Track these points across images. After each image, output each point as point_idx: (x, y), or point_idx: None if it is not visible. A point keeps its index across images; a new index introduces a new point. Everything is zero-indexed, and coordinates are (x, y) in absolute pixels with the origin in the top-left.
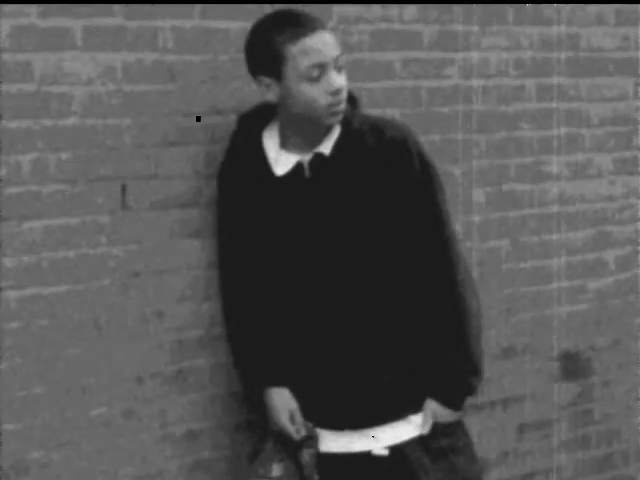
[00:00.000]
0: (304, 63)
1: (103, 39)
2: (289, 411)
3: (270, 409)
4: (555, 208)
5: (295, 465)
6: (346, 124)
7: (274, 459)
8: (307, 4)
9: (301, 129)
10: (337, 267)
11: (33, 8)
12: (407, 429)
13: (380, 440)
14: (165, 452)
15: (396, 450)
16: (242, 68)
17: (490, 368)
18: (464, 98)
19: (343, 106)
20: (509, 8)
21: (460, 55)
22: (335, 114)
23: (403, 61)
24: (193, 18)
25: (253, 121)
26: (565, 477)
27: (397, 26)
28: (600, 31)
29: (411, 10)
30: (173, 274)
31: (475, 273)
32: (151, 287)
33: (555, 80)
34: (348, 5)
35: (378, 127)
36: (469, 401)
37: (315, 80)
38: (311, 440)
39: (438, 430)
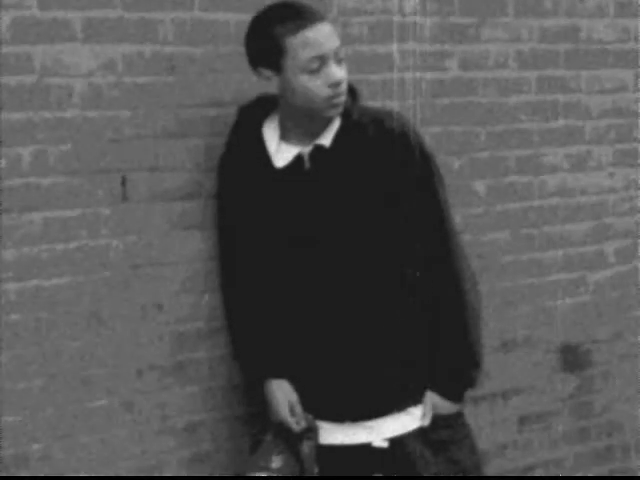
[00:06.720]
0: (304, 55)
1: (103, 31)
2: (289, 403)
3: (270, 401)
4: (555, 200)
5: (295, 457)
6: (346, 116)
7: (274, 451)
8: None
9: (301, 121)
10: (337, 259)
11: (33, 0)
12: (407, 421)
13: (380, 432)
14: (165, 444)
15: (396, 442)
16: (242, 60)
17: (490, 360)
18: (465, 90)
19: (343, 98)
20: (509, 0)
21: (460, 47)
22: (335, 106)
23: (402, 53)
24: (193, 10)
25: (253, 113)
26: (565, 469)
27: (397, 18)
28: (600, 23)
29: (411, 2)
30: (173, 266)
31: (475, 265)
32: (151, 279)
33: (555, 72)
34: None
35: (378, 119)
36: (469, 393)
37: (315, 72)
38: (311, 432)
39: (438, 422)
